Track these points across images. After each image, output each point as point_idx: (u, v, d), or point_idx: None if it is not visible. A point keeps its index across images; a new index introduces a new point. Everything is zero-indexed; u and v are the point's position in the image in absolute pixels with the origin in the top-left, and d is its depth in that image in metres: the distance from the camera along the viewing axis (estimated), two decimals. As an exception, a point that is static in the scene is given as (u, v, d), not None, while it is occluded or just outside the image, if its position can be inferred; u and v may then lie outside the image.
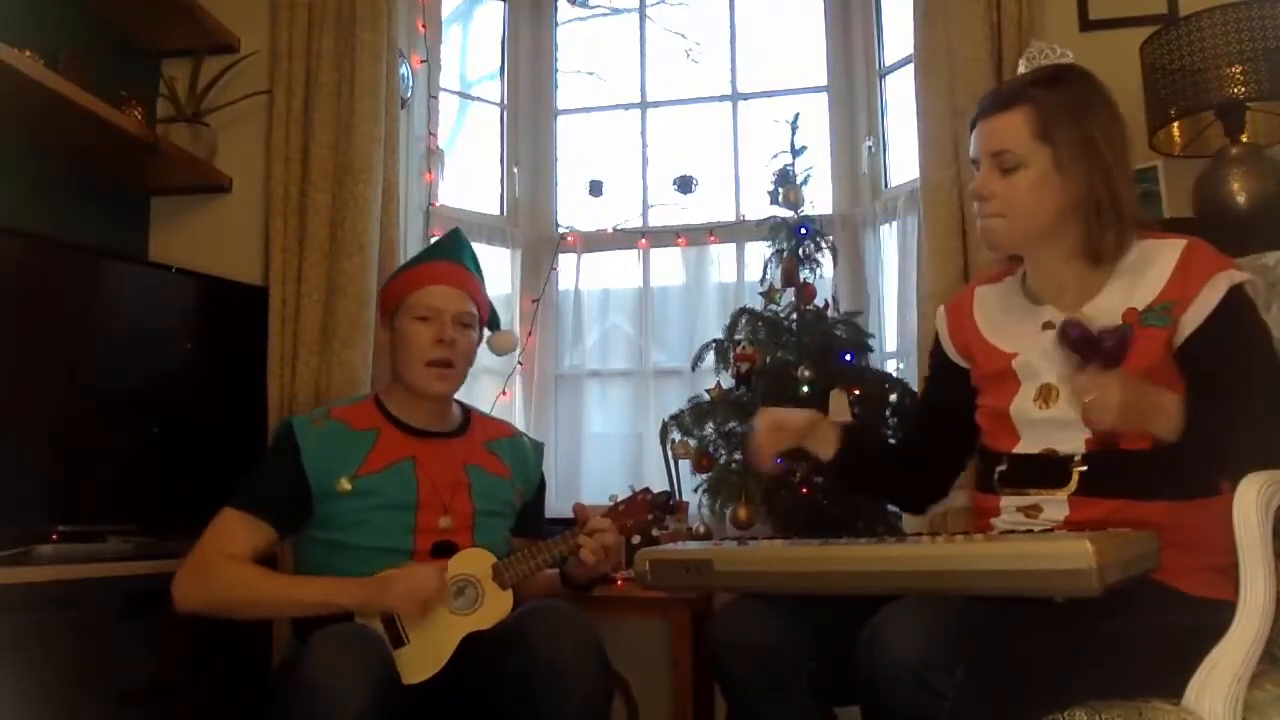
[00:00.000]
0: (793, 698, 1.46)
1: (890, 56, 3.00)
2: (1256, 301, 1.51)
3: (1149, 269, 1.50)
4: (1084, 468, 1.47)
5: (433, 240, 2.92)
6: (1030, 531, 1.44)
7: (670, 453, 2.59)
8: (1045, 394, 1.53)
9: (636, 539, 2.14)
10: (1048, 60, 1.57)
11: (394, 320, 1.94)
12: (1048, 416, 1.51)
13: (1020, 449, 1.55)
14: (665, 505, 2.03)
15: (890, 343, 2.84)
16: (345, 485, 1.81)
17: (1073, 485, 1.47)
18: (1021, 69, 1.60)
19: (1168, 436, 1.37)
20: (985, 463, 1.62)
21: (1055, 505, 1.48)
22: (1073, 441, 1.49)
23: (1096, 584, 1.18)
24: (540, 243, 3.15)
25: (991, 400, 1.61)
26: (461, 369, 1.94)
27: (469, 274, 1.99)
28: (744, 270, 2.99)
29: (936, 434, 1.77)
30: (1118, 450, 1.46)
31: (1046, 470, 1.50)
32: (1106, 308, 1.50)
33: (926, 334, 2.28)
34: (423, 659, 1.70)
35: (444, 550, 1.81)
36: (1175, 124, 2.31)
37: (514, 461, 2.01)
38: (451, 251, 2.00)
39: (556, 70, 3.29)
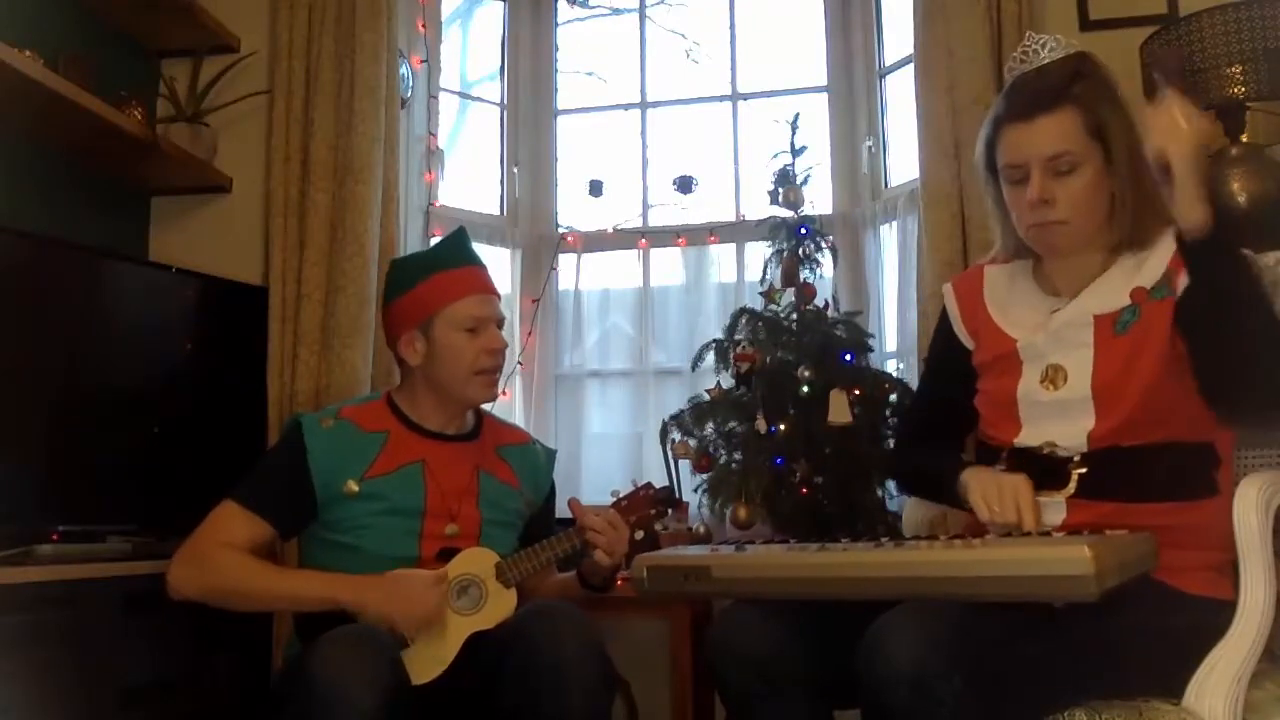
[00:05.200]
0: (792, 702, 1.46)
1: (890, 56, 3.00)
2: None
3: (1156, 248, 1.49)
4: (1083, 469, 1.47)
5: (437, 240, 2.93)
6: (1028, 534, 1.44)
7: (670, 453, 2.59)
8: (1052, 375, 1.52)
9: (639, 535, 2.14)
10: (1052, 51, 1.53)
11: (428, 330, 1.87)
12: (1055, 399, 1.50)
13: (1021, 439, 1.53)
14: (668, 500, 2.02)
15: (890, 343, 2.83)
16: (353, 487, 1.80)
17: (1071, 488, 1.47)
18: (1019, 62, 1.55)
19: (1196, 220, 1.37)
20: (983, 457, 1.62)
21: (1052, 508, 1.48)
22: (1075, 432, 1.48)
23: (1095, 589, 1.18)
24: (540, 243, 3.15)
25: (994, 385, 1.60)
26: (502, 370, 1.95)
27: (488, 273, 1.97)
28: (744, 270, 2.99)
29: (944, 428, 1.74)
30: (1117, 449, 1.45)
31: (1045, 472, 1.49)
32: (1114, 283, 1.50)
33: (926, 333, 2.28)
34: (427, 660, 1.70)
35: (449, 558, 1.80)
36: (1175, 124, 2.31)
37: (524, 470, 1.99)
38: (472, 255, 1.96)
39: (556, 70, 3.29)
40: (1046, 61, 1.52)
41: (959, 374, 1.68)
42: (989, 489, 1.47)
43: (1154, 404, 1.44)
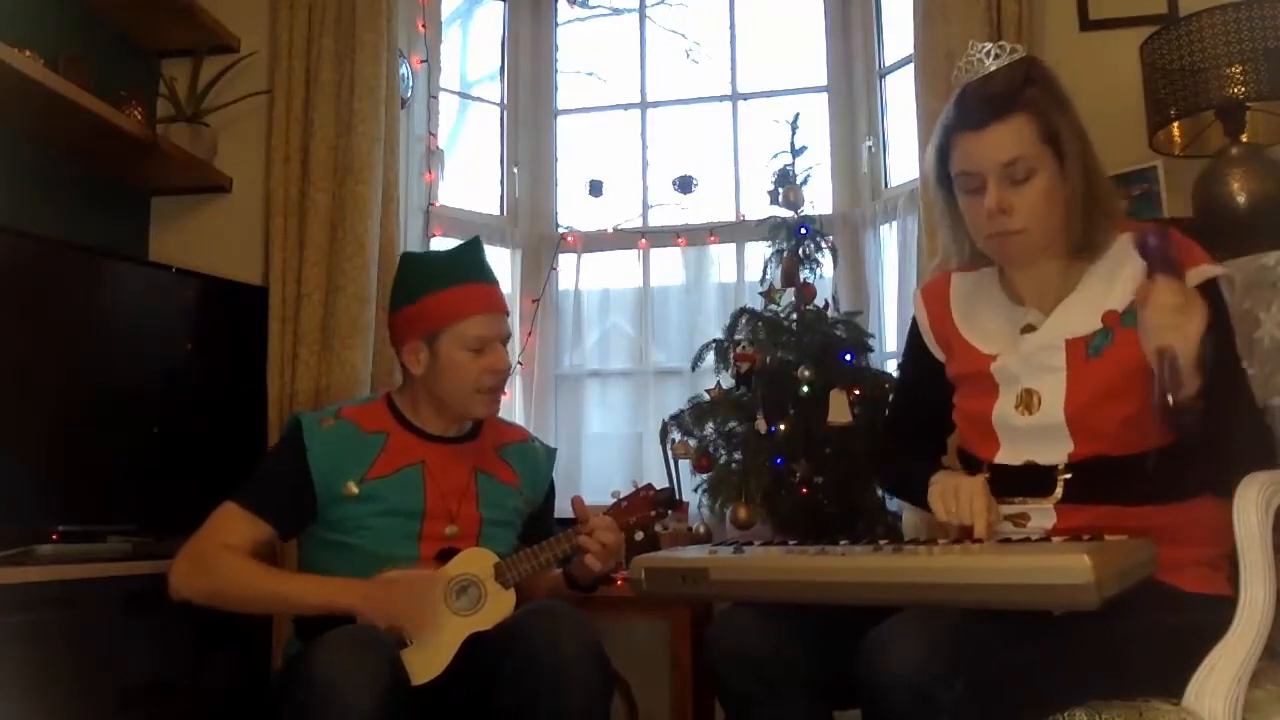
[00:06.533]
0: (791, 704, 1.46)
1: (890, 56, 3.00)
2: (1228, 295, 1.50)
3: (1125, 265, 1.47)
4: (1068, 476, 1.47)
5: (438, 241, 2.93)
6: (1027, 540, 1.44)
7: (670, 453, 2.59)
8: (1026, 400, 1.50)
9: (640, 535, 2.14)
10: (998, 58, 1.51)
11: (433, 343, 1.86)
12: (1030, 424, 1.49)
13: (1001, 458, 1.53)
14: (668, 501, 2.02)
15: (890, 343, 2.83)
16: (353, 489, 1.80)
17: (1058, 494, 1.47)
18: (965, 72, 1.53)
19: (1189, 393, 1.29)
20: (967, 466, 1.60)
21: (1042, 514, 1.48)
22: (1054, 453, 1.47)
23: (1095, 598, 1.18)
24: (540, 243, 3.15)
25: (970, 404, 1.59)
26: (503, 388, 1.95)
27: (500, 291, 1.95)
28: (744, 270, 2.99)
29: (923, 434, 1.73)
30: (1102, 457, 1.45)
31: (1031, 480, 1.49)
32: (1085, 304, 1.50)
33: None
34: (426, 660, 1.70)
35: (449, 559, 1.80)
36: (1175, 124, 2.31)
37: (524, 469, 1.99)
38: (486, 271, 1.94)
39: (556, 70, 3.29)
40: (993, 69, 1.50)
41: (933, 381, 1.67)
42: (947, 489, 1.48)
43: (1132, 429, 1.43)
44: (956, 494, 1.47)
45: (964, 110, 1.50)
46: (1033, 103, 1.46)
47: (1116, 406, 1.44)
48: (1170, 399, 1.27)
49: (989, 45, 1.53)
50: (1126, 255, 1.47)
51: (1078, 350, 1.48)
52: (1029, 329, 1.53)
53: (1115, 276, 1.49)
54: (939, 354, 1.67)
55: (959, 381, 1.63)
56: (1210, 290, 1.43)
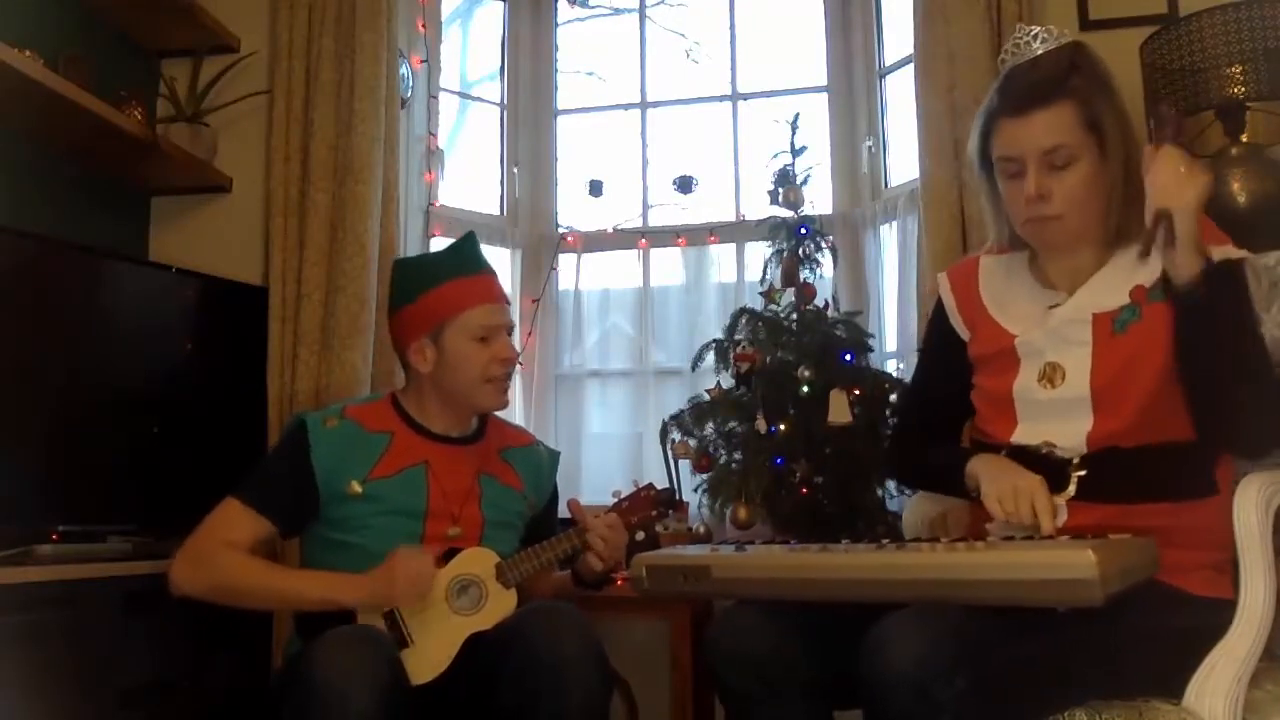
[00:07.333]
0: (791, 703, 1.46)
1: (890, 56, 3.00)
2: (1252, 282, 1.50)
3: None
4: (1082, 472, 1.47)
5: (437, 241, 2.93)
6: (1030, 538, 1.44)
7: (670, 453, 2.58)
8: (1049, 374, 1.51)
9: (640, 535, 2.14)
10: (1045, 42, 1.51)
11: (438, 338, 1.87)
12: (1052, 398, 1.50)
13: (1018, 437, 1.53)
14: (669, 500, 2.03)
15: (890, 343, 2.83)
16: (356, 488, 1.80)
17: (1070, 491, 1.47)
18: (1011, 55, 1.54)
19: (1189, 272, 1.34)
20: (982, 450, 1.60)
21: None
22: (1072, 432, 1.47)
23: (1100, 594, 1.18)
24: (540, 243, 3.15)
25: (991, 381, 1.59)
26: (511, 378, 1.95)
27: (498, 281, 1.96)
28: (744, 270, 2.99)
29: (941, 420, 1.73)
30: (1117, 450, 1.45)
31: (1044, 475, 1.48)
32: (1114, 279, 1.50)
33: (926, 334, 2.27)
34: (426, 660, 1.70)
35: (451, 559, 1.80)
36: (1175, 124, 2.31)
37: (527, 472, 2.00)
38: (483, 262, 1.96)
39: (556, 70, 3.29)
40: (1040, 53, 1.50)
41: (955, 364, 1.67)
42: (1004, 489, 1.44)
43: (1154, 409, 1.44)
44: (1015, 494, 1.43)
45: (1008, 95, 1.51)
46: (1077, 90, 1.46)
47: (1140, 383, 1.44)
48: (1171, 279, 1.33)
49: (1036, 29, 1.53)
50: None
51: (1104, 325, 1.48)
52: (1056, 307, 1.53)
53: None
54: (963, 333, 1.67)
55: (980, 362, 1.63)
56: (1235, 268, 1.43)
